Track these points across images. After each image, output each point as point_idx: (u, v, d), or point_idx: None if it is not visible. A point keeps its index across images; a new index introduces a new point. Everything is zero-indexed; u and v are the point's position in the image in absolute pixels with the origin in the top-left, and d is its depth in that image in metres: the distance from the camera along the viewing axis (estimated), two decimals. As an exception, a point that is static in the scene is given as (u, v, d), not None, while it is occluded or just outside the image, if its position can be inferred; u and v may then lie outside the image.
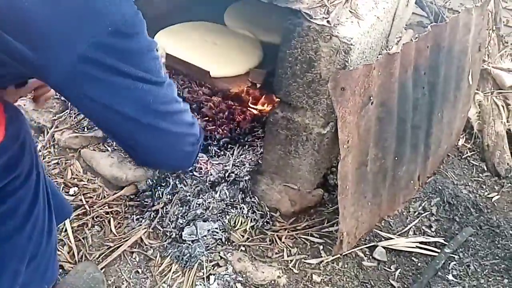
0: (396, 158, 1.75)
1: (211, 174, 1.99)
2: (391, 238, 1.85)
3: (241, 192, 1.94)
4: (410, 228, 1.93)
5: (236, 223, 1.85)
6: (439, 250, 1.81)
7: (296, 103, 1.61)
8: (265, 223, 1.86)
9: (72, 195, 1.88)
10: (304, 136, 1.68)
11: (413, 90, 1.68)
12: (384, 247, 1.81)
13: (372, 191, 1.71)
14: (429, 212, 2.00)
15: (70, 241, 1.70)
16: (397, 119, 1.64)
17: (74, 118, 2.11)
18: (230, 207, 1.90)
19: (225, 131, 2.23)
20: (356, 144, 1.47)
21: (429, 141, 1.97)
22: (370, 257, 1.79)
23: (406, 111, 1.68)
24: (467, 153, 2.40)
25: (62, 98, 2.24)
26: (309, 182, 1.82)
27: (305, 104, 1.59)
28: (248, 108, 2.42)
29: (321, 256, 1.76)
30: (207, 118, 2.31)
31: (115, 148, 2.03)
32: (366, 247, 1.81)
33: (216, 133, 2.22)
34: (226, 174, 1.99)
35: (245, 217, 1.87)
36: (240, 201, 1.92)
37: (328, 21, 1.38)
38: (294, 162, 1.79)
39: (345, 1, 1.48)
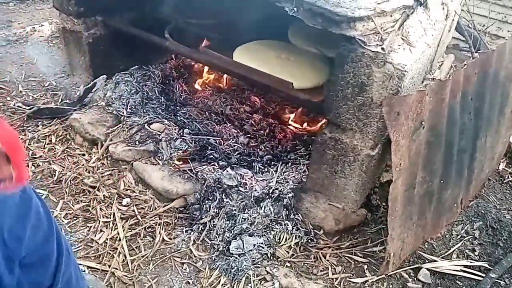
0: (442, 181, 1.77)
1: (255, 190, 2.05)
2: (435, 261, 1.87)
3: (285, 209, 1.99)
4: (454, 251, 1.93)
5: (281, 239, 1.90)
6: (483, 275, 1.82)
7: (346, 124, 1.66)
8: (309, 240, 1.90)
9: (125, 206, 1.97)
10: (351, 157, 1.73)
11: (460, 115, 1.72)
12: (428, 269, 1.83)
13: (418, 213, 1.74)
14: (472, 236, 2.01)
15: (123, 250, 1.78)
16: (444, 143, 1.67)
17: (127, 132, 2.21)
18: (274, 223, 1.96)
19: (267, 148, 2.31)
20: (407, 167, 1.51)
21: (473, 165, 1.99)
22: (415, 278, 1.80)
23: (454, 136, 1.71)
24: (508, 177, 2.40)
25: (115, 112, 2.37)
26: (354, 202, 1.86)
27: (355, 126, 1.64)
28: (288, 126, 2.50)
29: (366, 276, 1.79)
30: (249, 135, 2.40)
31: (165, 162, 2.12)
32: (411, 269, 1.83)
33: (258, 149, 2.30)
34: (270, 191, 2.05)
35: (289, 233, 1.92)
36: (284, 217, 1.97)
37: (382, 48, 1.44)
38: (339, 182, 1.84)
39: (397, 28, 1.54)
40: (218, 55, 2.04)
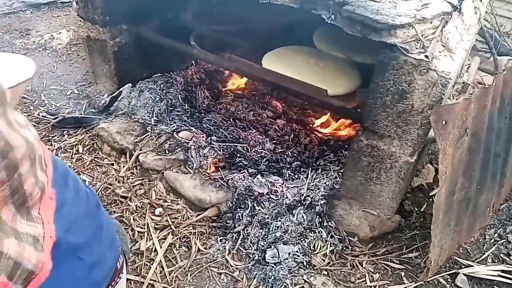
0: (478, 187, 1.77)
1: (287, 197, 2.05)
2: (471, 266, 1.86)
3: (318, 216, 1.99)
4: (488, 255, 1.92)
5: (316, 247, 1.89)
6: (522, 280, 1.81)
7: (384, 131, 1.65)
8: (344, 248, 1.90)
9: (158, 215, 1.96)
10: (388, 164, 1.72)
11: (497, 120, 1.71)
12: (465, 275, 1.82)
13: (455, 219, 1.73)
14: (505, 240, 2.00)
15: (161, 261, 1.78)
16: (483, 149, 1.67)
17: (156, 141, 2.21)
18: (308, 230, 1.95)
19: (294, 154, 2.30)
20: (449, 174, 1.51)
21: (505, 169, 1.98)
22: (452, 284, 1.79)
23: (491, 141, 1.70)
24: (536, 179, 2.38)
25: (141, 120, 2.36)
26: (390, 208, 1.85)
27: (393, 133, 1.64)
28: (314, 132, 2.49)
29: (404, 283, 1.78)
30: (274, 141, 2.39)
31: (196, 170, 2.12)
32: (447, 274, 1.82)
33: (286, 156, 2.30)
34: (302, 198, 2.04)
35: (324, 241, 1.91)
36: (317, 225, 1.96)
37: (426, 56, 1.43)
38: (374, 188, 1.83)
39: (438, 35, 1.53)
40: (248, 63, 2.03)
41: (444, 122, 1.35)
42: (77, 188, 0.90)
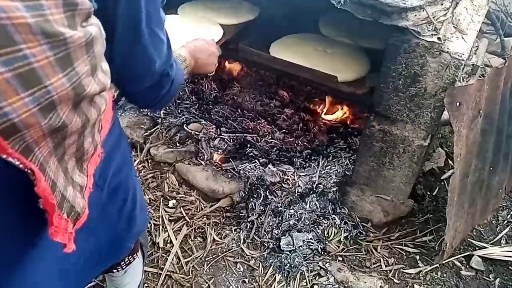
0: (491, 168, 1.77)
1: (299, 186, 2.06)
2: (485, 247, 1.87)
3: (330, 203, 1.99)
4: (502, 237, 1.93)
5: (330, 234, 1.90)
6: (536, 260, 1.82)
7: (396, 116, 1.65)
8: (358, 234, 1.90)
9: (172, 208, 1.97)
10: (401, 148, 1.72)
11: (510, 101, 1.70)
12: (480, 256, 1.83)
13: (469, 201, 1.73)
14: (519, 221, 2.00)
15: (177, 252, 1.79)
16: (496, 130, 1.66)
17: (166, 134, 2.21)
18: (321, 217, 1.96)
19: (304, 143, 2.30)
20: (463, 157, 1.51)
21: (517, 149, 1.97)
22: (467, 266, 1.80)
23: (504, 122, 1.70)
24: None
25: (150, 114, 2.36)
26: (403, 193, 1.85)
27: (406, 117, 1.63)
28: (322, 119, 2.49)
29: (419, 266, 1.79)
30: (283, 130, 2.39)
31: (207, 162, 2.12)
32: (462, 257, 1.83)
33: (296, 144, 2.30)
34: (314, 186, 2.05)
35: (337, 227, 1.92)
36: (330, 212, 1.97)
37: (438, 38, 1.42)
38: (387, 174, 1.83)
39: (449, 17, 1.52)
40: (257, 52, 2.02)
41: (458, 104, 1.35)
42: (125, 151, 1.14)
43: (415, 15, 1.47)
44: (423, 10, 1.48)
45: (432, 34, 1.45)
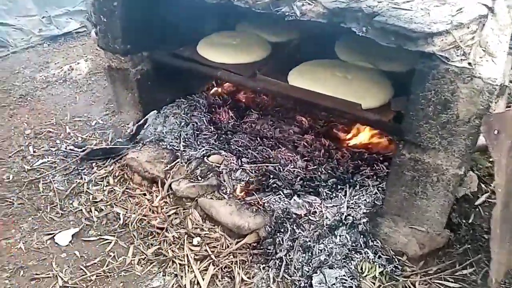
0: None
1: (327, 218, 1.97)
2: (530, 279, 1.75)
3: (362, 236, 1.90)
4: (547, 265, 1.81)
5: (364, 269, 1.81)
6: None
7: (427, 144, 1.57)
8: (394, 268, 1.80)
9: (197, 245, 1.91)
10: (434, 177, 1.64)
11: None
12: (525, 288, 1.71)
13: (511, 231, 1.63)
14: None
15: (205, 294, 1.72)
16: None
17: (187, 168, 2.17)
18: (353, 252, 1.87)
19: (328, 171, 2.23)
20: (504, 186, 1.41)
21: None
22: (513, 299, 1.69)
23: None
24: None
25: (169, 147, 2.32)
26: (439, 223, 1.75)
27: (438, 145, 1.55)
28: (347, 146, 2.41)
29: (461, 302, 1.68)
30: (305, 157, 2.32)
31: (230, 195, 2.06)
32: (507, 289, 1.72)
33: (319, 173, 2.22)
34: (343, 217, 1.96)
35: (371, 262, 1.83)
36: (362, 245, 1.88)
37: (469, 63, 1.35)
38: (421, 203, 1.74)
39: (477, 40, 1.45)
40: (275, 81, 1.98)
41: (496, 132, 1.26)
42: None
43: (442, 39, 1.40)
44: (450, 34, 1.41)
45: (461, 59, 1.38)
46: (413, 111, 1.54)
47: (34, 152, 2.57)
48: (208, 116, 2.65)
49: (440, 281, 1.74)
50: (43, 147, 2.62)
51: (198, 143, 2.40)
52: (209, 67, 2.21)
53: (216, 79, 2.80)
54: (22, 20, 4.08)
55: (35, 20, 4.15)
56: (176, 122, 2.54)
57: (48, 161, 2.48)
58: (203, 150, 2.31)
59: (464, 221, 1.94)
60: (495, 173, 1.31)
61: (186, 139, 2.44)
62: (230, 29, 2.66)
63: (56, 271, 1.83)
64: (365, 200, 2.00)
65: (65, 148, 2.57)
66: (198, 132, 2.50)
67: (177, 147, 2.38)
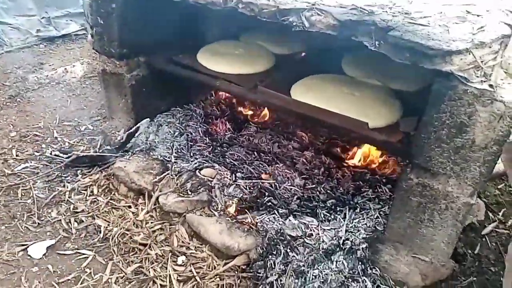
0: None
1: (323, 241, 1.84)
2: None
3: (360, 263, 1.77)
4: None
5: (360, 299, 1.67)
6: None
7: (438, 169, 1.46)
8: (393, 300, 1.68)
9: (181, 265, 1.77)
10: (443, 205, 1.52)
11: None
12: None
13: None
14: None
15: (187, 320, 1.57)
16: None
17: (176, 181, 2.04)
18: (350, 279, 1.73)
19: (327, 191, 2.10)
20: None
21: None
22: None
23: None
24: None
25: (160, 157, 2.19)
26: (445, 254, 1.63)
27: (449, 171, 1.44)
28: (347, 165, 2.30)
29: None
30: (304, 175, 2.20)
31: (221, 212, 1.93)
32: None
33: (318, 192, 2.10)
34: (340, 241, 1.83)
35: (369, 292, 1.70)
36: (360, 273, 1.75)
37: (490, 85, 1.25)
38: (426, 232, 1.62)
39: (499, 61, 1.34)
40: (277, 94, 1.87)
41: (519, 161, 1.15)
42: None
43: (461, 59, 1.30)
44: (470, 54, 1.30)
45: (482, 80, 1.27)
46: (424, 133, 1.43)
47: (17, 155, 2.43)
48: (204, 127, 2.53)
49: (443, 318, 1.61)
50: (27, 151, 2.48)
51: (191, 154, 2.28)
52: (208, 76, 2.10)
53: (215, 89, 2.69)
54: (20, 20, 3.97)
55: (33, 20, 4.04)
56: (170, 132, 2.42)
57: (30, 166, 2.34)
58: (196, 163, 2.19)
59: (470, 251, 1.82)
60: (515, 205, 1.19)
61: (179, 150, 2.31)
62: (233, 39, 2.55)
63: (25, 286, 1.67)
64: (366, 224, 1.88)
65: (50, 153, 2.43)
66: (192, 143, 2.37)
67: (168, 158, 2.25)
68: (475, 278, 1.74)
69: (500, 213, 2.07)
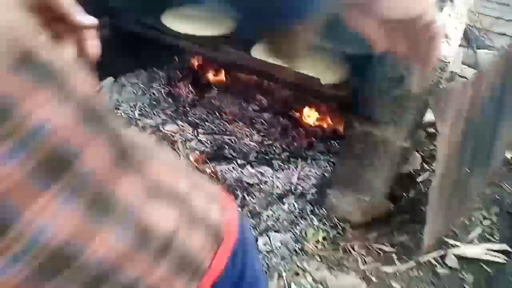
0: (468, 170, 1.82)
1: (277, 187, 2.05)
2: (459, 246, 1.92)
3: (309, 204, 2.00)
4: (475, 236, 2.00)
5: (308, 234, 1.90)
6: (507, 258, 1.88)
7: (379, 118, 1.68)
8: (336, 234, 1.92)
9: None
10: (382, 149, 1.75)
11: (487, 105, 1.77)
12: (454, 255, 1.88)
13: (446, 202, 1.78)
14: (490, 221, 2.07)
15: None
16: (474, 133, 1.72)
17: (142, 134, 2.16)
18: (299, 218, 1.96)
19: (282, 146, 2.30)
20: (445, 158, 1.55)
21: (491, 153, 2.04)
22: (443, 264, 1.85)
23: (482, 125, 1.76)
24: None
25: (124, 115, 2.29)
26: (381, 194, 1.88)
27: (389, 119, 1.66)
28: (302, 124, 2.50)
29: (396, 264, 1.82)
30: (262, 133, 2.39)
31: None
32: (438, 255, 1.87)
33: (274, 148, 2.29)
34: (292, 187, 2.05)
35: (316, 228, 1.93)
36: (309, 212, 1.98)
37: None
38: (368, 175, 1.86)
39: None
40: (238, 53, 2.02)
41: (443, 106, 1.38)
42: None
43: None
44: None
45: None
46: (368, 87, 1.64)
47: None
48: (167, 89, 2.64)
49: (378, 245, 1.87)
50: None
51: (154, 113, 2.40)
52: (173, 37, 2.19)
53: (180, 50, 2.77)
54: None
55: None
56: (134, 92, 2.52)
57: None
58: (159, 120, 2.31)
59: (405, 194, 2.09)
60: (438, 146, 1.43)
61: (143, 109, 2.42)
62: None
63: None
64: (316, 172, 2.10)
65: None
66: (155, 103, 2.49)
67: (131, 115, 2.36)
68: (407, 216, 2.01)
69: (433, 165, 2.35)
